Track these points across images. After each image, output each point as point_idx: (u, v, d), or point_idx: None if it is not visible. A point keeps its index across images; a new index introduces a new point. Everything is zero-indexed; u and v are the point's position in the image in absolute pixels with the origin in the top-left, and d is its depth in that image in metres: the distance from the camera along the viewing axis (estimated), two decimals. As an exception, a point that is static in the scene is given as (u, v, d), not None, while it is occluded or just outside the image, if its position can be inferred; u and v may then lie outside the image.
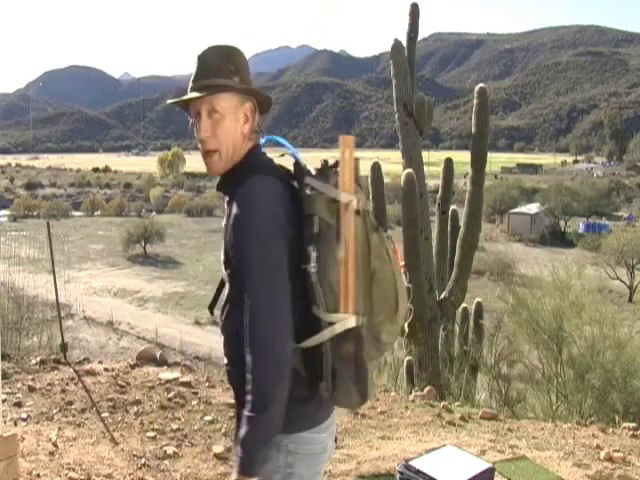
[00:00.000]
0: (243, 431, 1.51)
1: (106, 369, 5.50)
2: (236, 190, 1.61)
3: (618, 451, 4.42)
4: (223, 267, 1.66)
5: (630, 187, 76.14)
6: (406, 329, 1.80)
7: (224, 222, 1.65)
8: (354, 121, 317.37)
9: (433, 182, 16.41)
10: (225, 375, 1.80)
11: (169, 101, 1.74)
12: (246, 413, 1.51)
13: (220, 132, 1.66)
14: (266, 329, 1.51)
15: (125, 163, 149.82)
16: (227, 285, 1.69)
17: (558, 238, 49.02)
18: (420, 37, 9.42)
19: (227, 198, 1.68)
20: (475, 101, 8.41)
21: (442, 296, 8.44)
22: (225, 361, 1.71)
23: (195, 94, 1.67)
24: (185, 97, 1.69)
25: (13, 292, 8.51)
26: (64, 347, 6.20)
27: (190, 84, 1.72)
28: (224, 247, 1.63)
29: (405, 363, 8.35)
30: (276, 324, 1.52)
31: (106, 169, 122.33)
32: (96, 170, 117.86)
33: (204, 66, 1.71)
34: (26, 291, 9.09)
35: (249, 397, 1.51)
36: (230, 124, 1.67)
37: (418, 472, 3.16)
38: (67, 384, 5.03)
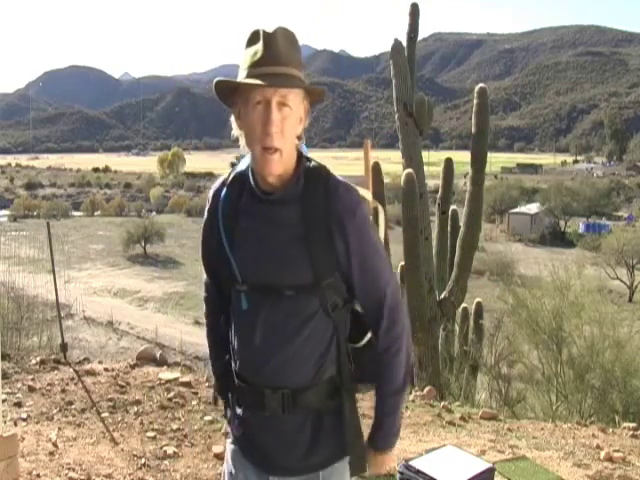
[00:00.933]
0: (390, 412, 1.68)
1: (106, 369, 5.50)
2: (307, 196, 1.54)
3: (618, 451, 4.42)
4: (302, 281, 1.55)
5: (630, 187, 76.15)
6: None
7: (279, 227, 1.55)
8: (354, 121, 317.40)
9: (433, 182, 16.41)
10: (283, 401, 1.58)
11: (224, 79, 1.52)
12: (393, 390, 1.66)
13: (287, 129, 1.50)
14: (405, 318, 1.66)
15: (125, 163, 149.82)
16: (297, 303, 1.55)
17: (558, 238, 49.04)
18: (420, 37, 9.42)
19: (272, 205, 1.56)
20: (475, 101, 8.42)
21: (442, 296, 8.44)
22: (291, 385, 1.57)
23: (272, 81, 1.46)
24: (268, 84, 1.46)
25: (13, 292, 8.51)
26: (64, 347, 6.20)
27: (256, 66, 1.48)
28: (314, 260, 1.53)
29: (405, 363, 8.34)
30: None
31: (106, 169, 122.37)
32: (96, 170, 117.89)
33: (276, 50, 1.49)
34: (26, 291, 9.09)
35: (397, 376, 1.65)
36: (295, 122, 1.53)
37: (418, 472, 3.16)
38: (67, 384, 5.03)
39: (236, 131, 1.57)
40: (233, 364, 1.66)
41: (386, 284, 1.61)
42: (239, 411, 1.66)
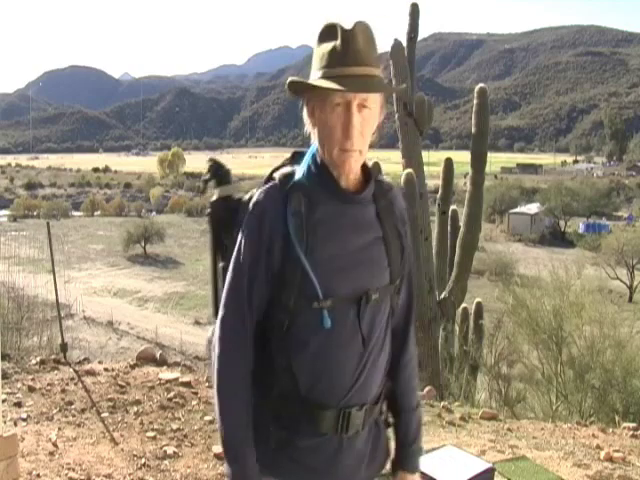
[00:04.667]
0: (417, 427, 1.64)
1: (106, 369, 5.50)
2: (378, 196, 1.53)
3: (618, 451, 4.42)
4: (389, 282, 1.52)
5: (630, 187, 76.18)
6: None
7: (363, 231, 1.50)
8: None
9: (433, 182, 16.42)
10: (365, 416, 1.51)
11: (312, 81, 1.42)
12: (419, 401, 1.65)
13: (366, 130, 1.45)
14: None
15: (125, 163, 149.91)
16: (383, 306, 1.52)
17: (558, 238, 49.06)
18: (420, 37, 9.42)
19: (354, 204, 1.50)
20: (475, 101, 8.42)
21: (442, 296, 8.44)
22: (371, 399, 1.52)
23: (359, 86, 1.40)
24: (350, 89, 1.39)
25: (13, 292, 8.50)
26: (64, 347, 6.20)
27: (334, 65, 1.40)
28: (391, 260, 1.52)
29: (405, 363, 8.34)
30: None
31: (106, 169, 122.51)
32: (96, 170, 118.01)
33: (356, 48, 1.39)
34: (26, 291, 9.07)
35: (416, 393, 1.65)
36: (374, 122, 1.48)
37: (418, 472, 3.16)
38: (67, 384, 5.03)
39: (309, 127, 1.50)
40: (299, 394, 1.46)
41: (414, 293, 1.66)
42: (301, 447, 1.49)
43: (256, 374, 1.48)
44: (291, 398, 1.47)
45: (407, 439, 1.62)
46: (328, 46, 1.41)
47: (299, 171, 1.50)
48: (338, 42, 1.40)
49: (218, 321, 1.49)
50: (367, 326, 1.47)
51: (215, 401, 1.47)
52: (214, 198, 1.67)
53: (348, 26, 1.41)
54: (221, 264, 1.62)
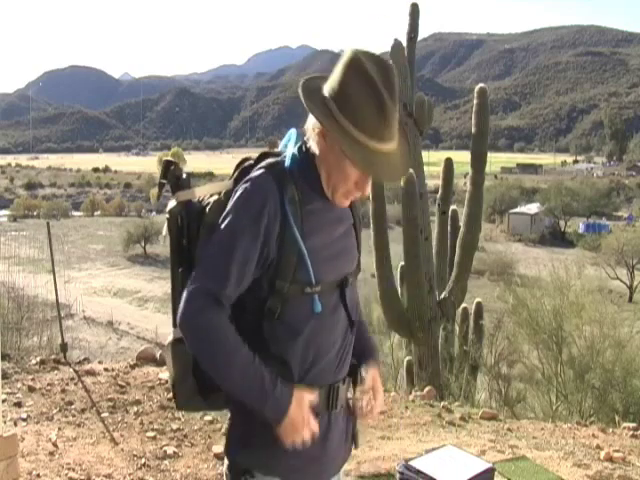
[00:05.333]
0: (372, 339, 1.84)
1: (106, 369, 5.50)
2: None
3: (618, 451, 4.42)
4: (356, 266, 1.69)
5: (630, 187, 76.17)
6: None
7: (343, 223, 1.64)
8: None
9: (433, 182, 16.41)
10: (347, 389, 1.66)
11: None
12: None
13: None
14: None
15: (125, 163, 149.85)
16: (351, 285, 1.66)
17: (558, 238, 49.06)
18: (420, 37, 9.41)
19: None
20: (475, 101, 8.41)
21: (442, 296, 8.43)
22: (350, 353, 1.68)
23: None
24: (390, 179, 1.66)
25: (13, 292, 8.50)
26: (64, 347, 6.20)
27: (379, 142, 1.46)
28: (358, 245, 1.70)
29: (405, 363, 8.36)
30: None
31: (106, 169, 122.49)
32: (96, 170, 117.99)
33: (393, 124, 1.49)
34: (26, 291, 9.08)
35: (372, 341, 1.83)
36: None
37: (418, 472, 3.16)
38: (67, 384, 5.03)
39: (314, 142, 1.54)
40: (293, 381, 1.51)
41: (359, 268, 1.83)
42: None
43: None
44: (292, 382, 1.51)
45: (369, 345, 1.78)
46: (372, 113, 1.44)
47: (287, 163, 1.56)
48: (376, 109, 1.44)
49: (195, 285, 1.46)
50: (349, 308, 1.62)
51: (210, 358, 1.46)
52: (173, 205, 1.60)
53: (390, 99, 1.45)
54: (180, 269, 1.63)
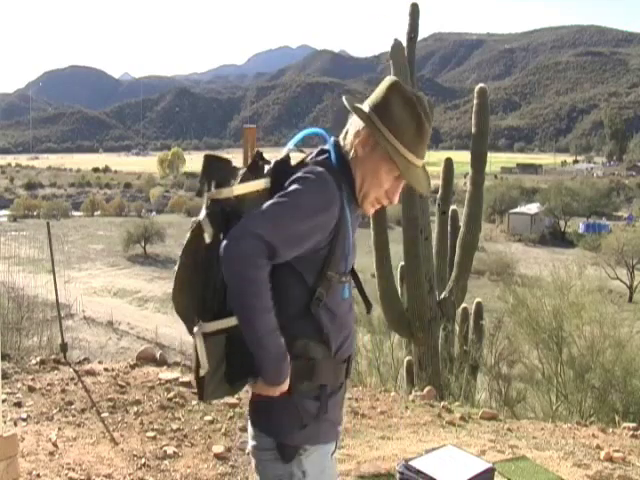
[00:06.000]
0: None
1: (106, 369, 5.50)
2: None
3: (618, 451, 4.42)
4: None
5: (630, 187, 76.18)
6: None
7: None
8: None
9: (433, 182, 16.39)
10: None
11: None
12: None
13: None
14: None
15: (125, 163, 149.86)
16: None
17: (558, 238, 49.07)
18: (420, 37, 9.39)
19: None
20: (475, 101, 8.41)
21: (442, 296, 8.43)
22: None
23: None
24: (426, 191, 1.93)
25: (13, 292, 8.50)
26: (64, 347, 6.20)
27: (417, 155, 1.75)
28: None
29: (405, 363, 8.35)
30: None
31: (106, 169, 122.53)
32: (96, 170, 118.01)
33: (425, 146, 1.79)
34: (26, 291, 9.07)
35: None
36: None
37: (418, 472, 3.16)
38: (67, 384, 5.03)
39: (354, 148, 1.73)
40: (332, 352, 1.70)
41: None
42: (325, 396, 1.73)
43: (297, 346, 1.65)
44: (327, 364, 1.70)
45: None
46: (412, 130, 1.70)
47: (334, 163, 1.71)
48: (420, 129, 1.71)
49: (257, 230, 1.55)
50: (365, 293, 1.89)
51: (244, 306, 1.56)
52: (210, 202, 1.69)
53: (427, 121, 1.73)
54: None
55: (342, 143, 1.75)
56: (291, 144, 1.78)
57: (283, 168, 1.69)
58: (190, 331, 1.67)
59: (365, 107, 1.73)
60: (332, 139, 1.76)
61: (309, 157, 1.74)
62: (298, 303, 1.67)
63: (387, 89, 1.72)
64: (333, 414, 1.74)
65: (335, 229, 1.65)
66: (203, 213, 1.67)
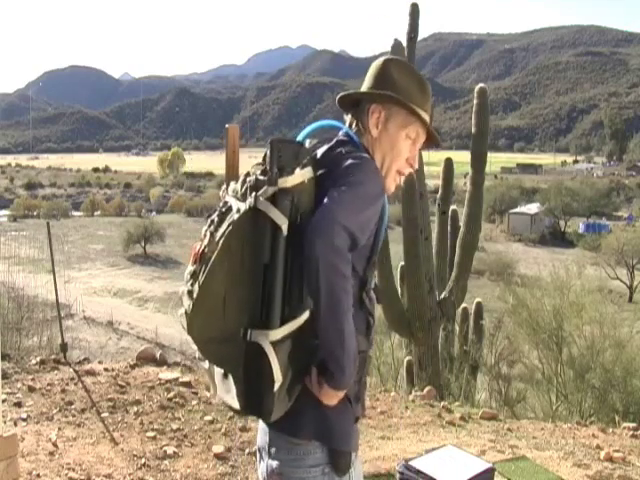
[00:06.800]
0: None
1: (106, 369, 5.50)
2: None
3: (618, 451, 4.42)
4: None
5: (630, 187, 76.16)
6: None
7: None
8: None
9: (433, 182, 16.42)
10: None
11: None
12: None
13: None
14: None
15: (125, 163, 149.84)
16: None
17: (558, 238, 49.07)
18: (420, 37, 9.39)
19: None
20: (475, 101, 8.41)
21: (442, 296, 8.43)
22: None
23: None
24: (438, 144, 1.85)
25: (13, 292, 8.50)
26: (64, 347, 6.20)
27: (425, 107, 1.77)
28: None
29: (405, 363, 8.35)
30: None
31: (106, 169, 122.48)
32: (96, 170, 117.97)
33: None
34: (26, 291, 9.07)
35: None
36: None
37: (418, 472, 3.16)
38: (67, 384, 5.03)
39: (374, 129, 1.74)
40: (364, 344, 1.66)
41: None
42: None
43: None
44: (368, 357, 1.69)
45: None
46: (416, 89, 1.76)
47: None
48: (426, 93, 1.79)
49: (342, 222, 1.47)
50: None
51: (334, 306, 1.46)
52: (272, 191, 1.51)
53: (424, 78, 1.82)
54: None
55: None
56: (302, 136, 1.75)
57: (328, 157, 1.66)
58: (213, 354, 1.52)
59: (366, 88, 1.77)
60: (345, 130, 1.76)
61: (335, 147, 1.68)
62: (354, 297, 1.56)
63: (381, 65, 1.78)
64: (358, 411, 1.70)
65: (379, 221, 1.66)
66: (248, 205, 1.50)
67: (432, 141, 1.84)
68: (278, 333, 1.46)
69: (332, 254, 1.44)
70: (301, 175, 1.55)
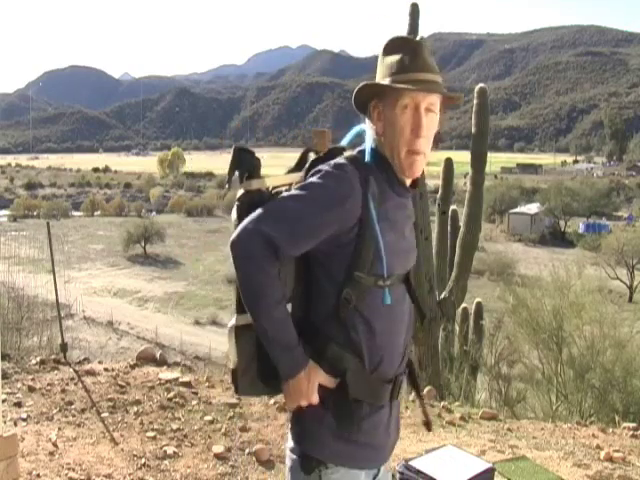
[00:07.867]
0: None
1: (106, 369, 5.50)
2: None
3: (618, 451, 4.42)
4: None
5: (630, 187, 76.18)
6: None
7: (411, 221, 1.70)
8: (354, 121, 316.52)
9: (433, 182, 16.39)
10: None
11: (400, 85, 1.56)
12: None
13: (431, 134, 1.65)
14: None
15: (125, 163, 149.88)
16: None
17: (558, 238, 49.07)
18: (420, 37, 9.40)
19: (408, 196, 1.69)
20: (475, 101, 8.40)
21: (442, 296, 8.43)
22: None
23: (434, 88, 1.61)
24: (431, 90, 1.62)
25: (13, 292, 8.49)
26: (64, 347, 6.20)
27: (405, 72, 1.58)
28: (417, 242, 1.82)
29: (405, 363, 8.34)
30: None
31: (106, 169, 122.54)
32: (96, 170, 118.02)
33: (424, 58, 1.61)
34: (26, 291, 9.07)
35: None
36: (436, 127, 1.67)
37: (418, 472, 3.16)
38: (67, 384, 5.03)
39: (374, 133, 1.63)
40: (366, 366, 1.58)
41: None
42: (363, 415, 1.60)
43: (327, 355, 1.55)
44: (360, 379, 1.57)
45: None
46: (397, 56, 1.60)
47: (367, 158, 1.61)
48: (408, 52, 1.59)
49: (261, 227, 1.48)
50: (409, 302, 1.68)
51: (252, 300, 1.50)
52: (242, 192, 1.61)
53: (415, 38, 1.63)
54: None
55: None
56: (346, 141, 1.72)
57: (316, 163, 1.62)
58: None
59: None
60: (361, 129, 1.70)
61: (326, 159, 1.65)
62: (328, 301, 1.57)
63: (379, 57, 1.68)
64: (371, 437, 1.61)
65: (359, 227, 1.54)
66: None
67: (445, 98, 1.65)
68: (240, 320, 1.57)
69: (241, 259, 1.48)
70: (278, 179, 1.64)
